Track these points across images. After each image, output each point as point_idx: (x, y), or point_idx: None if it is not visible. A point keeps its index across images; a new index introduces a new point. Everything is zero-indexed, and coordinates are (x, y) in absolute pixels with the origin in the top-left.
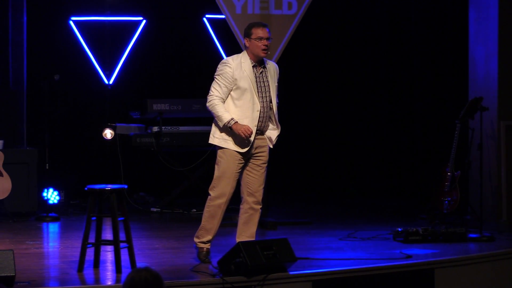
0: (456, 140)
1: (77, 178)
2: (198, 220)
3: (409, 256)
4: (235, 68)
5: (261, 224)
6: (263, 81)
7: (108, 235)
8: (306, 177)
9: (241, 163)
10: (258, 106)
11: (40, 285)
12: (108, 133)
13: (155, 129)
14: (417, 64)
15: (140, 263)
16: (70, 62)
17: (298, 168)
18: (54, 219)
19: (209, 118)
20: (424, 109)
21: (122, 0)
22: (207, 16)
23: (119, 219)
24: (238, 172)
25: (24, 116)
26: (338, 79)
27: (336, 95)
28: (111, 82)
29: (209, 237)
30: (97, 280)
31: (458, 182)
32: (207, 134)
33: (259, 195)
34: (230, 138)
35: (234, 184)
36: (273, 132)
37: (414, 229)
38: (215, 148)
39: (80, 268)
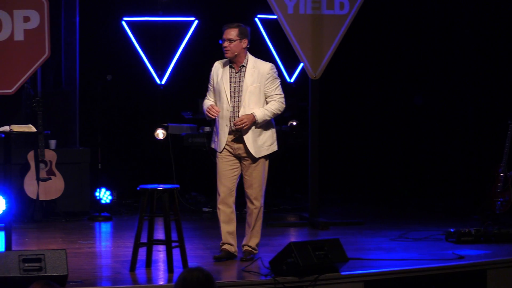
0: (508, 140)
1: (129, 178)
2: None
3: (461, 257)
4: (216, 71)
5: (313, 225)
6: (238, 82)
7: (160, 235)
8: (358, 178)
9: (230, 162)
10: (228, 106)
11: (93, 284)
12: (160, 133)
13: (207, 129)
14: (469, 63)
15: (192, 262)
16: (122, 62)
17: (350, 168)
18: (106, 219)
19: None
20: (477, 109)
21: (175, 1)
22: (259, 16)
23: (171, 219)
24: (229, 171)
25: (76, 116)
26: (389, 79)
27: (388, 96)
28: (163, 82)
29: (222, 240)
30: (149, 279)
31: (511, 183)
32: None
33: (251, 194)
34: (215, 139)
35: (227, 184)
36: (250, 132)
37: (467, 230)
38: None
39: (132, 268)
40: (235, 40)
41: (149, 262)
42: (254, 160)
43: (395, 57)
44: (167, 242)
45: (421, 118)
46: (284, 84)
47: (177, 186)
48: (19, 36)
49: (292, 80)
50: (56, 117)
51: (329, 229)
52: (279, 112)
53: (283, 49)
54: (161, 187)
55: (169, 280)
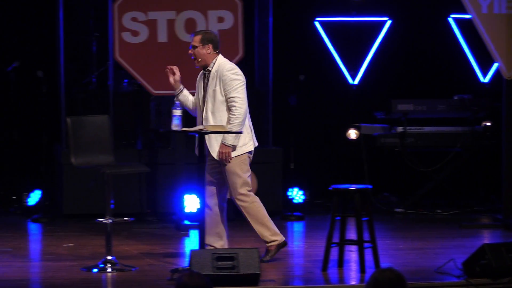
0: None
1: (321, 178)
2: (442, 221)
3: None
4: (198, 77)
5: (507, 227)
6: (206, 87)
7: (352, 235)
8: None
9: (210, 164)
10: (201, 111)
11: (285, 283)
12: (352, 133)
13: (400, 129)
14: None
15: (383, 263)
16: (314, 62)
17: None
18: (298, 218)
19: (455, 119)
20: None
21: (368, 1)
22: (452, 16)
23: (363, 219)
24: (210, 174)
25: (269, 115)
26: None
27: None
28: (355, 82)
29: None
30: (341, 279)
31: None
32: (452, 135)
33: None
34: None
35: (208, 184)
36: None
37: None
38: (452, 149)
39: (324, 267)
40: (197, 46)
41: (341, 262)
42: (222, 159)
43: None
44: (359, 242)
45: None
46: (477, 84)
47: (370, 186)
48: None
49: (486, 80)
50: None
51: None
52: (241, 116)
53: (477, 48)
54: (353, 187)
55: (361, 280)
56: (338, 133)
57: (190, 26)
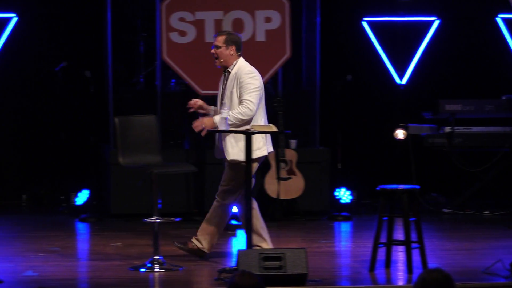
0: None
1: (369, 178)
2: (490, 221)
3: None
4: (221, 77)
5: None
6: (224, 88)
7: (399, 235)
8: None
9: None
10: (218, 111)
11: (332, 283)
12: (400, 133)
13: (447, 129)
14: None
15: (431, 263)
16: (362, 62)
17: None
18: (346, 219)
19: (503, 119)
20: None
21: (415, 0)
22: (500, 15)
23: (411, 219)
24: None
25: (317, 115)
26: None
27: None
28: (403, 82)
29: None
30: (388, 280)
31: None
32: (500, 135)
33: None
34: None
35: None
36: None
37: None
38: (500, 149)
39: (372, 268)
40: (220, 47)
41: (388, 262)
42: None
43: None
44: (406, 243)
45: None
46: None
47: (417, 186)
48: (260, 37)
49: None
50: (296, 117)
51: None
52: (243, 117)
53: None
54: (400, 187)
55: (409, 280)
56: (386, 133)
57: (238, 26)
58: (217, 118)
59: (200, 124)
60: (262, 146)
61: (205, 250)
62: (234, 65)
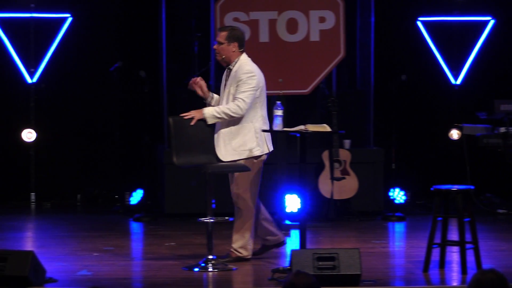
0: None
1: (423, 178)
2: None
3: None
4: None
5: None
6: (225, 84)
7: (453, 235)
8: None
9: None
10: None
11: (386, 284)
12: (454, 133)
13: (502, 129)
14: None
15: (486, 264)
16: (416, 62)
17: None
18: (400, 219)
19: None
20: None
21: (470, 0)
22: None
23: (465, 220)
24: None
25: (371, 115)
26: None
27: None
28: (458, 82)
29: None
30: (442, 280)
31: None
32: None
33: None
34: None
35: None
36: (221, 134)
37: None
38: None
39: (426, 268)
40: (223, 43)
41: (442, 263)
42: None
43: None
44: (461, 243)
45: None
46: None
47: (472, 187)
48: (314, 37)
49: None
50: (350, 117)
51: None
52: (232, 114)
53: None
54: (455, 187)
55: (463, 281)
56: (440, 133)
57: (292, 26)
58: (206, 110)
59: (189, 114)
60: (256, 147)
61: (280, 240)
62: (236, 62)
